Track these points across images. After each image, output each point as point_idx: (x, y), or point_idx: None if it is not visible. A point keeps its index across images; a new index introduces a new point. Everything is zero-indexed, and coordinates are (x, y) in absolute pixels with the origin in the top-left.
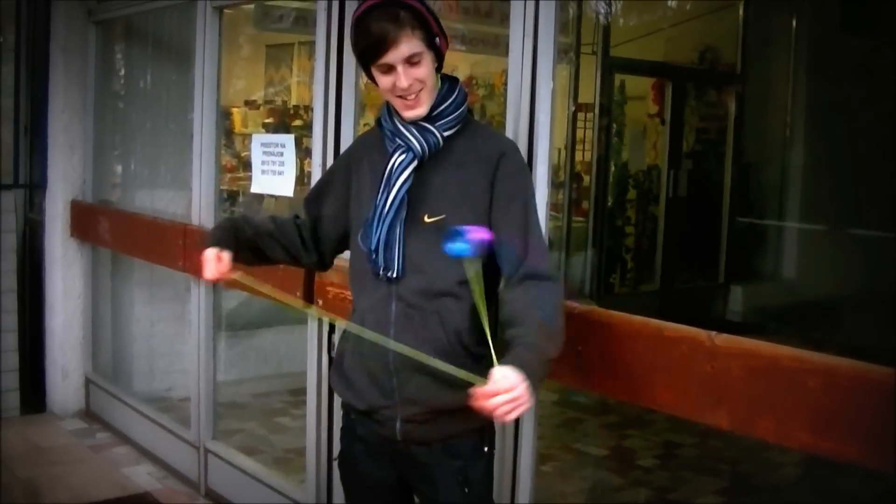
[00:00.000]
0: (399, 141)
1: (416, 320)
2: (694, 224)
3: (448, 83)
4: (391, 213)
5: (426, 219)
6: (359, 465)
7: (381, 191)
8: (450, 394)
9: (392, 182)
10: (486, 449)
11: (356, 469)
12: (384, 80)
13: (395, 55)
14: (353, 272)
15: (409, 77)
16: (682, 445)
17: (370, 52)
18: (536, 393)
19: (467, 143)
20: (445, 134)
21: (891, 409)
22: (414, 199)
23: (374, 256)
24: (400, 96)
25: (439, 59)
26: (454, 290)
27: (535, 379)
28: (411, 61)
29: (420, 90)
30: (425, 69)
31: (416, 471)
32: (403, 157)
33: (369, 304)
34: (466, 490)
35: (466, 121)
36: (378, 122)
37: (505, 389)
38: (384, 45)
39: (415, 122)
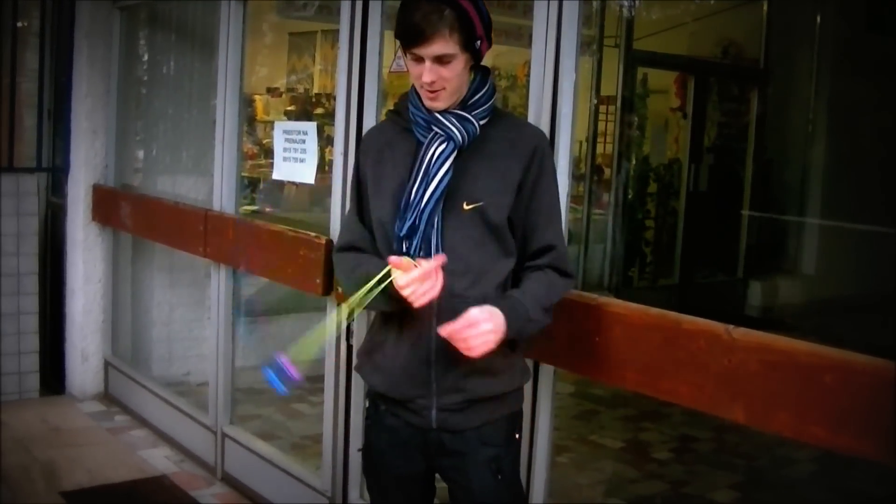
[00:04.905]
0: (437, 129)
1: (461, 310)
2: (714, 219)
3: (480, 74)
4: (431, 204)
5: (465, 206)
6: (385, 456)
7: (418, 180)
8: (487, 382)
9: (432, 173)
10: (517, 436)
11: (382, 460)
12: (414, 69)
13: (425, 51)
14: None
15: (434, 74)
16: (697, 439)
17: (403, 39)
18: (515, 338)
19: (499, 131)
20: (481, 123)
21: None
22: (450, 187)
23: (405, 245)
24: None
25: (476, 59)
26: (497, 274)
27: (514, 323)
28: (441, 61)
29: (441, 88)
30: (452, 71)
31: (448, 460)
32: (443, 146)
33: None
34: (499, 477)
35: (495, 109)
36: (395, 111)
37: (474, 321)
38: (416, 39)
39: (452, 112)
